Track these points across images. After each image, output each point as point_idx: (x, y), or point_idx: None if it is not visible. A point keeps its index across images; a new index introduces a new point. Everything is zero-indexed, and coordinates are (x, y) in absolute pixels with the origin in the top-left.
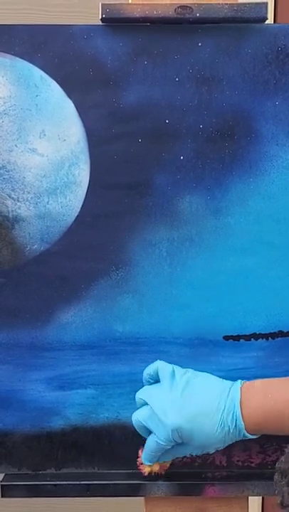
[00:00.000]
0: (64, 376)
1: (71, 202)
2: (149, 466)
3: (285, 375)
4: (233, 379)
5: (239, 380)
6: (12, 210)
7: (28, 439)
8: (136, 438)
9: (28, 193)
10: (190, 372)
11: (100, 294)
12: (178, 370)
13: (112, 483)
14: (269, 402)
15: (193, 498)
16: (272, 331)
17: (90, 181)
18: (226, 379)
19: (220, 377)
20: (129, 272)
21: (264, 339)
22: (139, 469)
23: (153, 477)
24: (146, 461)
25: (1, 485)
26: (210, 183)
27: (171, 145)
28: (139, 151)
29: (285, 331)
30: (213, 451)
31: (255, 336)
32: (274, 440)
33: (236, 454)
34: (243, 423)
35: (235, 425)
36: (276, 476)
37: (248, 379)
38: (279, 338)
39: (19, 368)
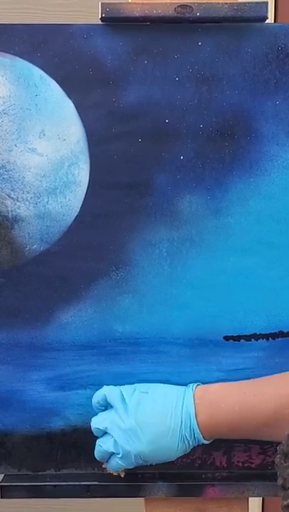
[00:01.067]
0: (64, 376)
1: (71, 202)
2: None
3: None
4: (234, 379)
5: (191, 386)
6: (11, 210)
7: (27, 440)
8: None
9: (28, 192)
10: (138, 388)
11: (100, 294)
12: (126, 391)
13: (112, 484)
14: (222, 412)
15: (193, 499)
16: (272, 332)
17: (89, 181)
18: (227, 380)
19: (221, 378)
20: (129, 272)
21: (264, 339)
22: (105, 471)
23: (153, 478)
24: (110, 469)
25: (1, 486)
26: (210, 183)
27: (171, 145)
28: (139, 150)
29: (286, 331)
30: (174, 459)
31: (256, 337)
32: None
33: (236, 455)
34: (200, 433)
35: (194, 437)
36: (278, 459)
37: (249, 379)
38: (279, 339)
39: (19, 368)
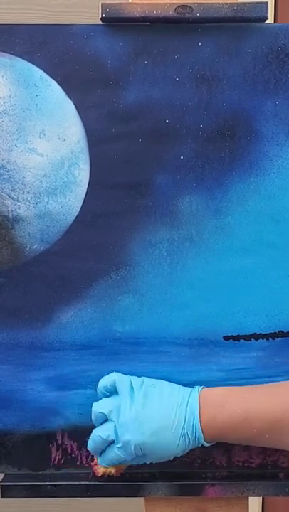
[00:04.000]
0: (64, 376)
1: (71, 202)
2: (104, 467)
3: (285, 375)
4: (234, 379)
5: (197, 387)
6: (12, 210)
7: (27, 440)
8: None
9: (28, 192)
10: (146, 381)
11: (100, 294)
12: (135, 381)
13: (112, 484)
14: (225, 414)
15: (193, 499)
16: (272, 331)
17: (90, 181)
18: (227, 379)
19: (221, 377)
20: (129, 272)
21: (264, 339)
22: (93, 470)
23: (153, 478)
24: (104, 463)
25: (1, 485)
26: (210, 183)
27: (171, 145)
28: (139, 151)
29: (286, 331)
30: (172, 459)
31: (256, 336)
32: None
33: (236, 455)
34: (202, 434)
35: (195, 436)
36: None
37: (249, 379)
38: (279, 339)
39: (19, 368)
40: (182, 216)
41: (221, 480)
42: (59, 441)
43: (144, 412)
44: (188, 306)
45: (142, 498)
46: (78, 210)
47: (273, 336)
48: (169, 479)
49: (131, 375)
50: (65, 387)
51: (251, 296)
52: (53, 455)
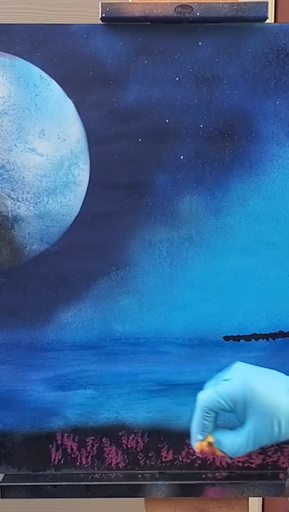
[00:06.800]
0: (64, 376)
1: (71, 202)
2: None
3: None
4: None
5: None
6: (12, 210)
7: (27, 440)
8: (136, 438)
9: (28, 192)
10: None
11: (100, 294)
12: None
13: (112, 484)
14: None
15: (193, 499)
16: (272, 332)
17: (89, 181)
18: None
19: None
20: (129, 272)
21: (264, 339)
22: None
23: (153, 478)
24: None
25: (1, 486)
26: (210, 183)
27: (171, 145)
28: (139, 150)
29: (286, 331)
30: None
31: (256, 337)
32: None
33: None
34: None
35: None
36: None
37: None
38: (279, 339)
39: (19, 368)
40: (182, 216)
41: (221, 480)
42: (59, 442)
43: None
44: (189, 306)
45: (142, 498)
46: (78, 210)
47: (273, 336)
48: (169, 479)
49: (131, 375)
50: (65, 388)
51: (251, 296)
52: (53, 455)
